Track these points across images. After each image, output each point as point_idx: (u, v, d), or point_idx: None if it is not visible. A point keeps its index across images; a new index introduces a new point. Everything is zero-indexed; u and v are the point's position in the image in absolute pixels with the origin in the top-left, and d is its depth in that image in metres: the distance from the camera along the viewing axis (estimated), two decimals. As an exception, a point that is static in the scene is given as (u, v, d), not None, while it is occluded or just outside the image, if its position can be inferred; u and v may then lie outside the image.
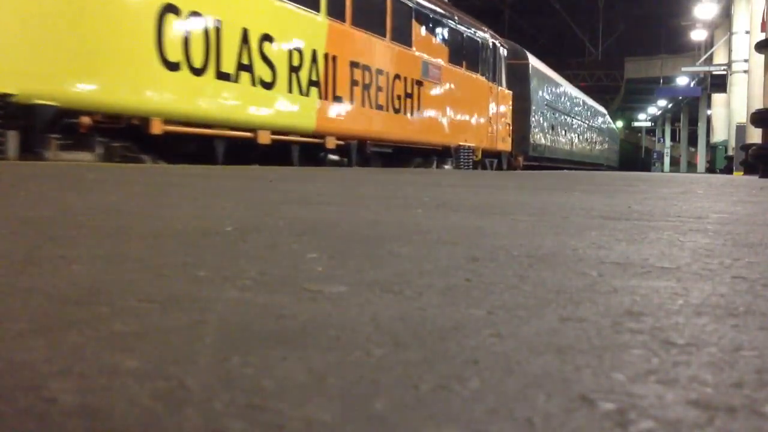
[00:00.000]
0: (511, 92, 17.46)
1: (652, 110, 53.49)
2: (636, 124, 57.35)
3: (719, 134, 29.66)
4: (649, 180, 8.42)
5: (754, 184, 7.82)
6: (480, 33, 15.28)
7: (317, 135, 9.55)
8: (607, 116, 40.72)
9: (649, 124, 58.01)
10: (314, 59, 9.28)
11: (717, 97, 30.14)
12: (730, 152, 24.36)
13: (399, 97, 11.61)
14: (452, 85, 13.67)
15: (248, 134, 8.29)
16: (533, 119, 19.67)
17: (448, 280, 1.09)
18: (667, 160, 51.33)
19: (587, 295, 0.99)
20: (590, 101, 33.38)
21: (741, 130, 21.44)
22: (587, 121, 31.33)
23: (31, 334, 0.72)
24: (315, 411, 0.52)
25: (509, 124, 17.45)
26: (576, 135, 27.94)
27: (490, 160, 16.53)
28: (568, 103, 26.22)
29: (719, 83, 27.86)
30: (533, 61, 20.33)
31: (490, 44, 15.90)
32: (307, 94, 9.17)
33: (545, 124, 21.53)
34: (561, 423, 0.51)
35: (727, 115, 26.82)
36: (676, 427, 0.51)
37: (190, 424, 0.49)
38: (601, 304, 0.94)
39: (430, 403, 0.54)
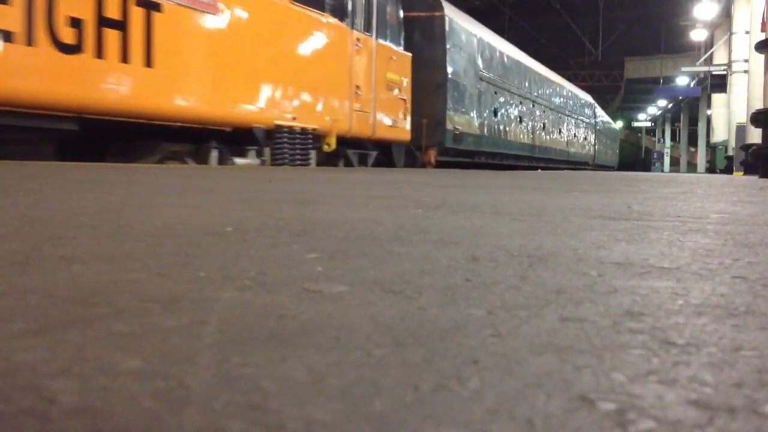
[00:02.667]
0: (409, 55, 12.33)
1: (652, 110, 53.49)
2: (636, 124, 57.35)
3: (719, 134, 29.67)
4: (649, 180, 8.42)
5: (754, 184, 7.82)
6: None
7: None
8: (598, 109, 34.07)
9: (649, 124, 58.02)
10: None
11: (717, 97, 30.15)
12: (730, 152, 24.36)
13: (78, 24, 5.79)
14: (251, 22, 8.05)
15: None
16: (452, 96, 13.67)
17: (448, 280, 1.09)
18: (667, 160, 51.33)
19: (587, 295, 0.99)
20: (571, 87, 27.40)
21: (741, 130, 21.44)
22: (565, 111, 25.22)
23: (31, 334, 0.72)
24: (315, 411, 0.52)
25: (405, 101, 12.17)
26: (544, 126, 21.83)
27: (364, 152, 11.53)
28: (528, 84, 20.09)
29: (719, 83, 27.86)
30: (452, 14, 14.01)
31: None
32: None
33: (479, 105, 15.41)
34: (561, 423, 0.51)
35: (727, 115, 26.81)
36: (676, 427, 0.51)
37: (190, 424, 0.49)
38: (601, 304, 0.94)
39: (430, 403, 0.54)
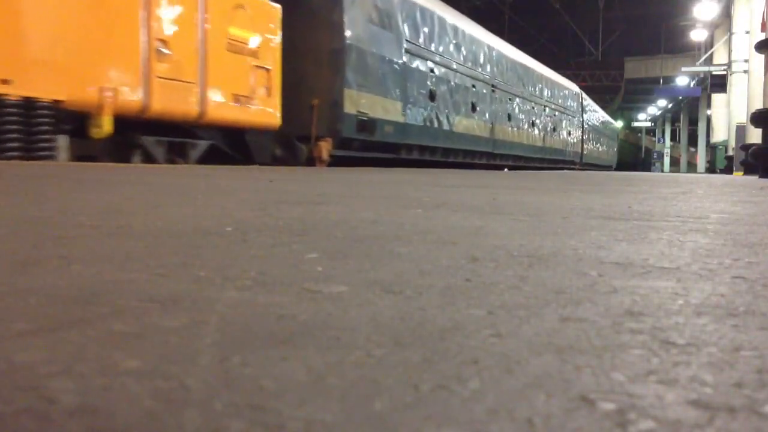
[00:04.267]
0: (277, 7, 9.15)
1: (652, 110, 53.50)
2: (636, 124, 57.35)
3: (719, 134, 29.67)
4: (649, 180, 8.42)
5: (754, 184, 7.82)
6: None
7: None
8: (588, 101, 30.34)
9: (649, 124, 58.03)
10: None
11: (717, 97, 30.15)
12: (730, 152, 24.36)
13: None
14: None
15: None
16: (356, 69, 10.30)
17: (448, 280, 1.09)
18: (667, 160, 51.33)
19: (587, 295, 0.99)
20: (550, 73, 23.15)
21: (741, 130, 21.46)
22: (541, 100, 21.34)
23: (31, 334, 0.72)
24: (315, 411, 0.52)
25: (268, 71, 8.92)
26: (509, 117, 18.13)
27: (187, 141, 7.96)
28: (485, 62, 16.16)
29: (719, 83, 27.85)
30: None
31: None
32: None
33: (405, 85, 12.07)
34: (561, 423, 0.51)
35: (727, 115, 26.81)
36: (676, 427, 0.51)
37: (190, 424, 0.49)
38: (601, 304, 0.94)
39: (430, 403, 0.54)
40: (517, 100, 19.10)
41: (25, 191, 2.83)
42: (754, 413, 0.54)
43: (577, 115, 27.50)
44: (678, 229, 2.01)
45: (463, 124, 14.95)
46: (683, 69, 32.31)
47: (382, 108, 11.40)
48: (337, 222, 1.97)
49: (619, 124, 50.29)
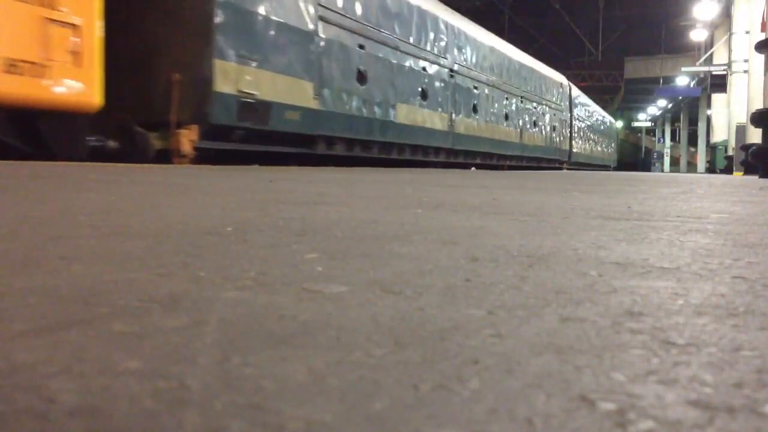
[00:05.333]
0: None
1: (652, 110, 53.52)
2: (636, 124, 57.38)
3: (719, 134, 29.67)
4: (649, 180, 8.42)
5: (754, 184, 7.82)
6: None
7: None
8: (578, 92, 27.85)
9: (649, 124, 58.04)
10: None
11: (717, 97, 30.15)
12: (730, 152, 24.37)
13: None
14: None
15: None
16: (231, 33, 7.99)
17: (448, 280, 1.09)
18: (667, 160, 51.34)
19: (587, 295, 0.99)
20: (527, 59, 20.26)
21: (741, 130, 21.45)
22: (516, 90, 18.66)
23: (31, 334, 0.72)
24: (315, 411, 0.52)
25: (75, 27, 6.26)
26: (474, 107, 15.47)
27: None
28: (435, 39, 13.69)
29: (719, 83, 27.85)
30: None
31: None
32: None
33: (319, 61, 9.66)
34: (561, 423, 0.51)
35: (727, 115, 26.81)
36: (676, 427, 0.51)
37: (190, 424, 0.49)
38: (601, 304, 0.94)
39: (430, 403, 0.54)
40: (486, 88, 16.37)
41: (25, 191, 2.83)
42: (754, 413, 0.54)
43: (565, 109, 24.93)
44: (678, 229, 2.01)
45: (409, 114, 12.51)
46: (683, 69, 32.32)
47: (283, 89, 8.89)
48: (337, 222, 1.97)
49: (619, 124, 50.23)
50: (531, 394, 0.57)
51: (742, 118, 21.24)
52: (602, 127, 34.66)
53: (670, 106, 48.06)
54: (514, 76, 18.71)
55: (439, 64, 13.87)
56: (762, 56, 15.46)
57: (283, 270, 1.15)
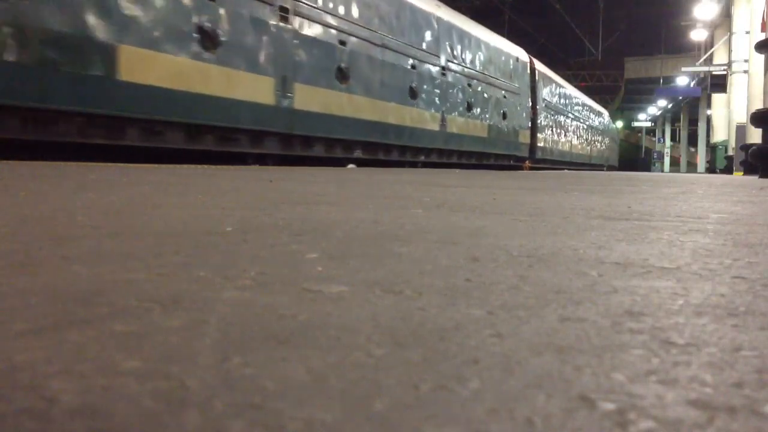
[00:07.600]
0: None
1: (652, 110, 53.50)
2: (636, 124, 57.35)
3: (719, 134, 29.67)
4: (649, 180, 8.42)
5: (754, 184, 7.81)
6: None
7: None
8: (549, 73, 23.05)
9: (649, 124, 58.02)
10: None
11: (717, 97, 30.14)
12: (730, 152, 24.36)
13: None
14: None
15: None
16: None
17: (448, 280, 1.09)
18: (667, 160, 51.33)
19: (587, 295, 0.99)
20: (463, 23, 15.78)
21: (741, 130, 21.44)
22: (445, 62, 14.40)
23: (31, 334, 0.72)
24: (315, 411, 0.52)
25: None
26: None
27: None
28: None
29: (719, 83, 27.84)
30: None
31: None
32: None
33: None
34: (561, 423, 0.51)
35: (727, 115, 26.80)
36: (676, 427, 0.51)
37: (190, 424, 0.49)
38: (601, 304, 0.94)
39: (430, 403, 0.54)
40: (376, 50, 11.69)
41: (25, 191, 2.83)
42: (754, 413, 0.54)
43: (523, 93, 19.80)
44: (678, 229, 2.01)
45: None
46: (683, 69, 32.31)
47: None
48: (337, 222, 1.97)
49: (619, 124, 50.16)
50: (531, 394, 0.57)
51: (742, 118, 21.22)
52: (591, 120, 29.59)
53: (670, 106, 48.05)
54: (428, 40, 13.80)
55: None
56: (762, 56, 15.46)
57: (283, 270, 1.15)
